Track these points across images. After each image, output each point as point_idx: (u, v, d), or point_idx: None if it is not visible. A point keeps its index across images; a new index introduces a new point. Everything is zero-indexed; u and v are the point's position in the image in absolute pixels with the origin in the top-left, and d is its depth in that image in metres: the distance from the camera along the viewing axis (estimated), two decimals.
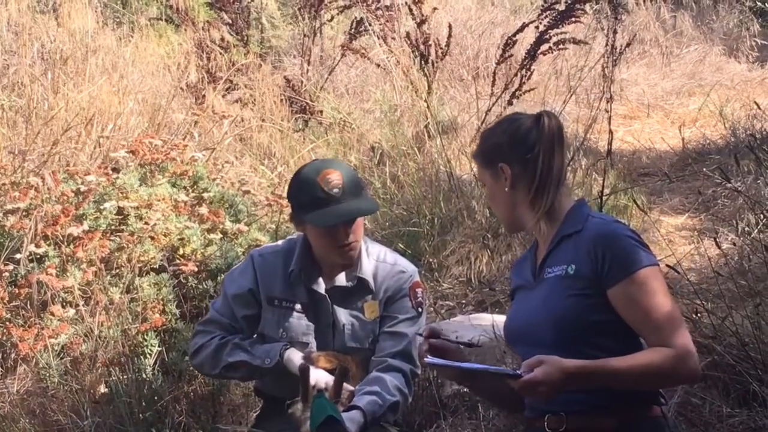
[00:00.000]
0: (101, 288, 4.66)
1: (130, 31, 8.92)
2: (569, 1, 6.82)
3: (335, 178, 3.40)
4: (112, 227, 4.94)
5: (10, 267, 4.74)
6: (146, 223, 4.90)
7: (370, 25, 8.00)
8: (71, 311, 4.62)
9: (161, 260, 4.82)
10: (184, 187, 5.30)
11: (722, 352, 3.99)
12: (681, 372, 2.61)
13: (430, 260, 5.78)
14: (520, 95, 6.97)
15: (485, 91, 7.38)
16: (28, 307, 4.66)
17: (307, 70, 8.47)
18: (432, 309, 5.23)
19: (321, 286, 3.52)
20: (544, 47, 6.88)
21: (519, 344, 2.86)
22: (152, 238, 4.88)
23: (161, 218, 4.94)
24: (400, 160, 6.61)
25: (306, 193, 3.42)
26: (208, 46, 7.98)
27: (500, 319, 4.57)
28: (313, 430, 2.96)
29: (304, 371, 3.14)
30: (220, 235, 5.01)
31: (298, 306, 3.52)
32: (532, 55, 6.92)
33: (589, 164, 6.45)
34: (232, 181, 5.83)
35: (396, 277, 3.54)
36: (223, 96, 7.74)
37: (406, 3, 7.60)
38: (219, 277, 4.68)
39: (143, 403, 4.31)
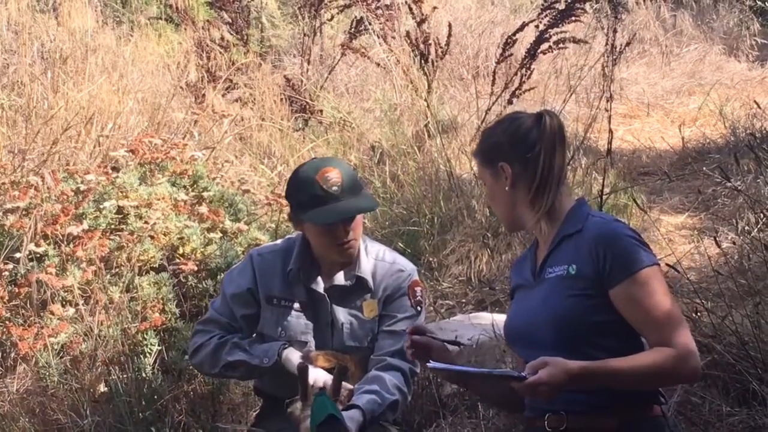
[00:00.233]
0: (101, 287, 4.66)
1: (130, 30, 8.92)
2: (569, 1, 6.82)
3: (334, 176, 3.40)
4: (112, 226, 4.94)
5: (10, 266, 4.74)
6: (146, 223, 4.90)
7: (370, 24, 8.00)
8: (71, 310, 4.61)
9: (161, 259, 4.82)
10: (184, 187, 5.29)
11: (722, 351, 3.99)
12: (683, 371, 2.62)
13: (430, 259, 5.78)
14: (520, 94, 6.97)
15: (485, 90, 7.38)
16: (28, 306, 4.66)
17: (307, 70, 8.47)
18: (432, 308, 5.23)
19: (320, 285, 3.52)
20: (544, 46, 6.88)
21: (519, 344, 2.86)
22: (152, 237, 4.87)
23: (161, 217, 4.94)
24: (400, 159, 6.60)
25: (305, 191, 3.41)
26: (207, 46, 7.98)
27: (500, 318, 4.56)
28: (313, 429, 2.96)
29: (303, 370, 3.14)
30: (220, 234, 5.01)
31: (296, 305, 3.52)
32: (532, 54, 6.92)
33: (589, 163, 6.45)
34: (232, 180, 5.83)
35: (395, 276, 3.53)
36: (223, 95, 7.75)
37: (406, 2, 7.60)
38: (219, 276, 4.68)
39: (143, 402, 4.31)
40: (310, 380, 3.23)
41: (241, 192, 5.61)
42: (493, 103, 6.93)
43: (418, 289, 3.56)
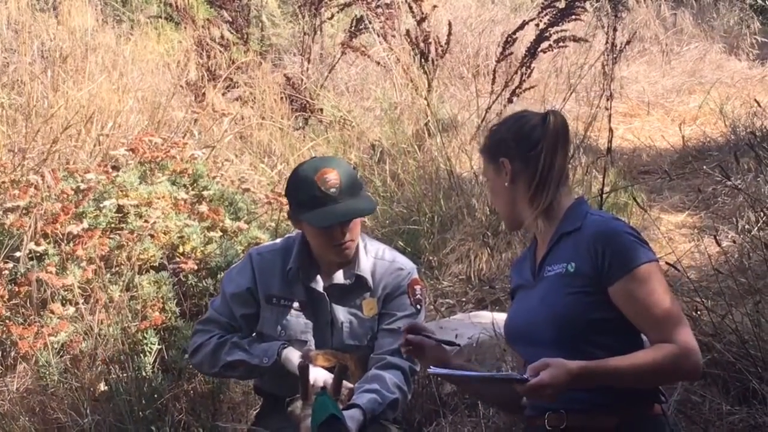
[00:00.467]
0: (101, 286, 4.66)
1: (130, 29, 8.92)
2: None
3: (332, 177, 3.39)
4: (112, 225, 4.94)
5: (10, 265, 4.74)
6: (146, 221, 4.90)
7: (370, 23, 8.00)
8: (71, 309, 4.61)
9: (161, 258, 4.82)
10: (184, 185, 5.29)
11: (722, 350, 3.99)
12: (684, 368, 2.62)
13: (430, 258, 5.78)
14: (521, 93, 6.96)
15: (485, 88, 7.38)
16: (28, 305, 4.66)
17: (307, 68, 8.46)
18: (432, 307, 5.23)
19: (319, 284, 3.52)
20: (544, 45, 6.88)
21: (519, 343, 2.86)
22: (152, 236, 4.87)
23: (161, 216, 4.94)
24: (400, 158, 6.60)
25: (303, 191, 3.41)
26: (208, 44, 7.97)
27: (500, 317, 4.56)
28: (314, 429, 2.96)
29: (304, 370, 3.14)
30: (220, 233, 5.01)
31: (296, 304, 3.52)
32: (532, 52, 6.91)
33: (589, 162, 6.45)
34: (232, 179, 5.83)
35: (394, 275, 3.53)
36: (223, 94, 7.74)
37: (406, 1, 7.60)
38: (219, 275, 4.68)
39: (143, 401, 4.31)
40: (311, 379, 3.23)
41: (241, 191, 5.61)
42: (494, 102, 6.92)
43: (417, 287, 3.55)
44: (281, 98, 7.77)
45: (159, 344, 4.46)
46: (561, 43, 6.90)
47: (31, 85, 6.76)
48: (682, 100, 9.54)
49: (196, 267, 4.74)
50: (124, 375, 4.38)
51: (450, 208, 5.98)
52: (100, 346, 4.49)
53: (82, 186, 5.02)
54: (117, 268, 4.78)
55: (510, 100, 6.90)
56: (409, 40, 7.29)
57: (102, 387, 4.43)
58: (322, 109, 7.95)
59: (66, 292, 4.68)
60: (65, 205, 4.86)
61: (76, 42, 7.36)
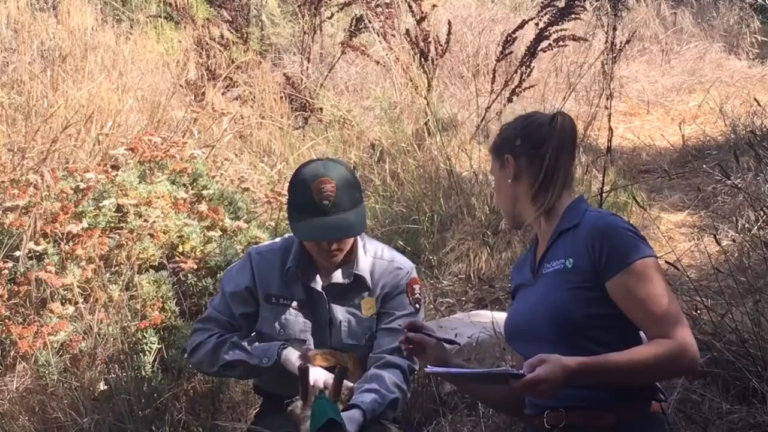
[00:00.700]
0: (100, 285, 4.66)
1: (130, 28, 8.92)
2: None
3: (329, 189, 3.38)
4: (112, 225, 4.94)
5: (10, 264, 4.74)
6: (145, 221, 4.90)
7: (369, 22, 7.99)
8: (70, 309, 4.61)
9: (160, 257, 4.82)
10: (184, 185, 5.29)
11: (722, 349, 3.99)
12: (681, 363, 2.61)
13: (430, 257, 5.78)
14: (520, 92, 6.97)
15: (485, 88, 7.38)
16: (28, 304, 4.66)
17: (307, 68, 8.46)
18: (432, 306, 5.23)
19: (318, 284, 3.52)
20: (544, 44, 6.89)
21: (519, 341, 2.86)
22: (151, 235, 4.87)
23: (160, 215, 4.94)
24: (399, 157, 6.60)
25: (299, 195, 3.42)
26: (207, 44, 7.97)
27: (500, 316, 4.57)
28: None
29: (304, 372, 3.15)
30: (220, 233, 5.01)
31: (294, 303, 3.52)
32: (531, 52, 6.92)
33: (589, 161, 6.45)
34: (232, 178, 5.83)
35: (393, 274, 3.53)
36: (223, 93, 7.73)
37: (405, 0, 7.60)
38: (218, 275, 4.67)
39: (142, 401, 4.31)
40: (311, 380, 3.23)
41: (241, 190, 5.61)
42: (493, 101, 6.93)
43: (416, 286, 3.55)
44: (281, 97, 7.77)
45: (158, 343, 4.46)
46: (561, 43, 6.91)
47: (30, 85, 6.76)
48: (682, 99, 9.55)
49: (195, 266, 4.74)
50: (124, 374, 4.38)
51: (450, 207, 5.99)
52: (99, 345, 4.49)
53: (82, 185, 5.01)
54: (116, 268, 4.78)
55: (510, 100, 6.91)
56: (408, 39, 7.29)
57: (101, 386, 4.43)
58: (321, 109, 7.95)
59: (65, 292, 4.68)
60: (65, 205, 4.86)
61: (75, 41, 7.35)
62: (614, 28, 6.53)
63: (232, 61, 7.96)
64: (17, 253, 4.75)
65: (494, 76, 7.01)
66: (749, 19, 11.71)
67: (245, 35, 8.39)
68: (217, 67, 7.86)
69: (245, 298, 3.55)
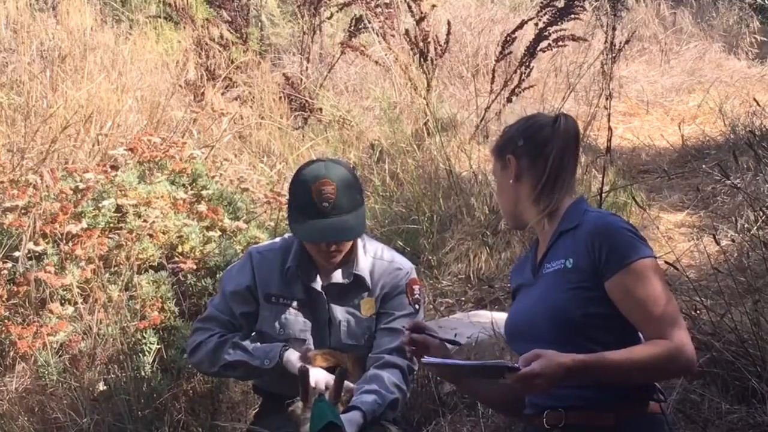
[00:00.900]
0: (100, 286, 4.66)
1: (129, 28, 8.92)
2: None
3: (329, 191, 3.38)
4: (111, 225, 4.94)
5: (9, 265, 4.74)
6: (145, 221, 4.90)
7: (369, 22, 7.99)
8: (70, 309, 4.61)
9: (160, 258, 4.82)
10: (183, 185, 5.29)
11: (721, 349, 3.99)
12: (678, 364, 2.61)
13: (429, 257, 5.78)
14: (520, 92, 6.98)
15: (484, 88, 7.38)
16: (27, 304, 4.66)
17: (307, 68, 8.46)
18: (431, 306, 5.23)
19: (318, 283, 3.52)
20: (544, 44, 6.89)
21: (518, 341, 2.86)
22: (151, 235, 4.87)
23: (160, 216, 4.94)
24: (399, 157, 6.61)
25: (299, 195, 3.42)
26: (207, 44, 7.97)
27: (499, 316, 4.57)
28: None
29: (304, 374, 3.15)
30: (219, 233, 5.01)
31: (294, 303, 3.52)
32: (531, 52, 6.93)
33: (589, 161, 6.45)
34: (231, 178, 5.83)
35: (393, 275, 3.53)
36: (222, 93, 7.73)
37: (405, 0, 7.60)
38: (218, 275, 4.68)
39: (142, 401, 4.32)
40: (311, 382, 3.24)
41: (240, 190, 5.61)
42: (493, 101, 6.94)
43: (416, 287, 3.56)
44: (280, 98, 7.77)
45: (158, 344, 4.46)
46: (560, 43, 6.91)
47: (30, 85, 6.76)
48: (682, 99, 9.55)
49: (195, 266, 4.74)
50: (123, 375, 4.38)
51: (449, 207, 5.99)
52: (99, 345, 4.49)
53: (81, 186, 5.01)
54: (116, 268, 4.78)
55: (509, 100, 6.92)
56: (408, 39, 7.29)
57: (101, 387, 4.43)
58: (321, 109, 7.95)
59: (65, 292, 4.68)
60: (64, 205, 4.86)
61: (75, 42, 7.35)
62: (614, 28, 6.54)
63: (232, 62, 7.96)
64: (17, 254, 4.75)
65: (494, 77, 7.02)
66: (749, 19, 11.72)
67: (245, 35, 8.39)
68: (217, 67, 7.86)
69: (246, 298, 3.55)
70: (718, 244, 4.60)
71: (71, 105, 6.44)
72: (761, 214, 5.34)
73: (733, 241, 5.35)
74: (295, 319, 3.52)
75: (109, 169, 5.27)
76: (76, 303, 4.63)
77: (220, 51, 7.97)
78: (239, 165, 6.57)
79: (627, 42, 6.86)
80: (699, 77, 10.11)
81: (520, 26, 7.04)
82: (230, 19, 8.39)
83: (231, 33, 8.33)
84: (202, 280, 4.75)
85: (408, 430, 4.03)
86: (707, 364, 3.96)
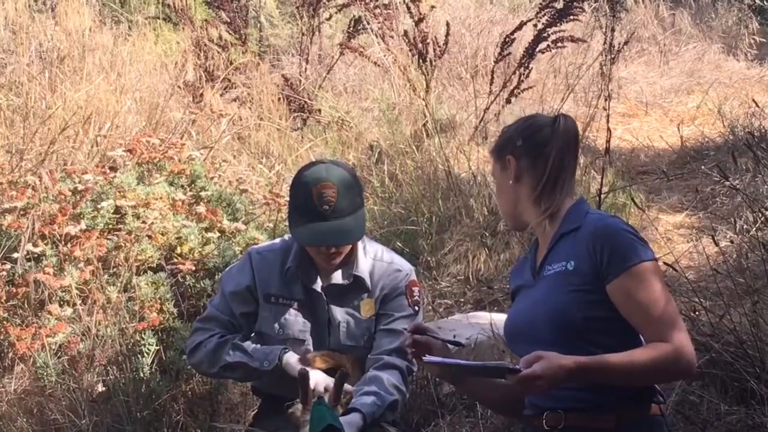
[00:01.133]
0: (99, 287, 4.65)
1: (128, 29, 8.91)
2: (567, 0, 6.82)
3: (330, 193, 3.38)
4: (110, 226, 4.94)
5: (8, 266, 4.73)
6: (144, 222, 4.90)
7: (368, 23, 7.99)
8: (69, 310, 4.61)
9: (159, 259, 4.82)
10: (182, 186, 5.29)
11: (720, 350, 3.99)
12: (678, 368, 2.61)
13: (428, 259, 5.78)
14: (519, 93, 6.98)
15: (483, 89, 7.38)
16: (26, 306, 4.65)
17: (306, 69, 8.46)
18: (430, 307, 5.23)
19: (317, 284, 3.52)
20: (543, 45, 6.89)
21: (518, 342, 2.85)
22: (150, 237, 4.87)
23: (159, 217, 4.93)
24: (398, 158, 6.60)
25: (299, 198, 3.43)
26: (206, 45, 7.96)
27: (498, 317, 4.57)
28: None
29: (304, 376, 3.16)
30: (218, 234, 5.01)
31: (294, 303, 3.52)
32: (530, 53, 6.93)
33: (588, 162, 6.45)
34: (230, 179, 5.82)
35: (392, 276, 3.53)
36: (221, 95, 7.73)
37: (404, 1, 7.59)
38: (217, 276, 4.67)
39: (141, 402, 4.32)
40: (311, 384, 3.24)
41: (239, 191, 5.61)
42: (492, 103, 6.94)
43: (415, 289, 3.56)
44: (279, 99, 7.77)
45: (157, 345, 4.46)
46: (559, 44, 6.91)
47: (28, 86, 6.76)
48: (681, 101, 9.55)
49: (193, 268, 4.74)
50: (122, 376, 4.38)
51: (448, 208, 5.99)
52: (97, 347, 4.49)
53: (80, 187, 5.01)
54: (115, 269, 4.78)
55: (508, 101, 6.92)
56: (407, 40, 7.29)
57: (100, 388, 4.43)
58: (320, 110, 7.95)
59: (64, 293, 4.67)
60: (63, 206, 4.86)
61: (73, 43, 7.35)
62: (612, 30, 6.54)
63: (231, 63, 7.95)
64: (15, 255, 4.75)
65: (492, 78, 7.02)
66: (748, 20, 11.72)
67: (244, 36, 8.39)
68: (216, 68, 7.86)
69: (246, 298, 3.55)
70: (717, 245, 4.60)
71: (70, 106, 6.44)
72: (760, 215, 5.33)
73: (732, 242, 5.35)
74: (295, 319, 3.52)
75: (108, 171, 5.27)
76: (74, 304, 4.63)
77: (219, 52, 7.97)
78: (238, 166, 6.58)
79: (626, 43, 6.85)
80: (698, 78, 10.11)
81: (519, 27, 7.04)
82: (229, 20, 8.39)
83: (230, 34, 8.33)
84: (200, 281, 4.75)
85: None
86: (706, 366, 3.96)
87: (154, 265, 4.83)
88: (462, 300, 5.47)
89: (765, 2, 12.03)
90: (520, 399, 2.81)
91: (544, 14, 6.86)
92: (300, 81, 8.17)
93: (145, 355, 4.42)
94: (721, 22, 11.84)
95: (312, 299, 3.53)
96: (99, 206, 4.93)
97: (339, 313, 3.53)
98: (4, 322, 4.60)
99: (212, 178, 5.55)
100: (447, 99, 8.33)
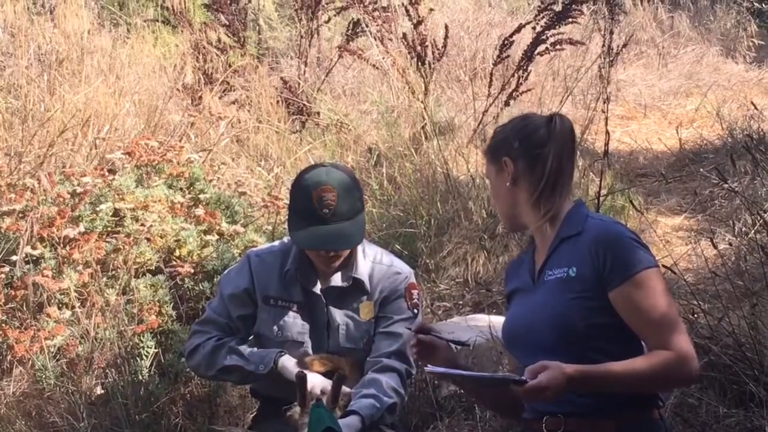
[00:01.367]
0: (97, 290, 4.65)
1: (127, 32, 8.91)
2: (566, 2, 6.82)
3: (330, 197, 3.38)
4: (109, 229, 4.93)
5: (6, 269, 4.73)
6: (142, 225, 4.89)
7: (367, 26, 7.98)
8: (67, 313, 4.61)
9: (157, 262, 4.81)
10: (181, 189, 5.29)
11: (719, 353, 3.99)
12: (681, 375, 2.61)
13: (427, 261, 5.78)
14: (517, 96, 6.97)
15: (482, 92, 7.38)
16: (24, 309, 4.65)
17: (304, 72, 8.46)
18: (429, 310, 5.22)
19: (317, 286, 3.52)
20: (541, 48, 6.88)
21: (518, 347, 2.85)
22: (148, 239, 4.87)
23: (157, 220, 4.93)
24: (397, 161, 6.60)
25: (299, 201, 3.43)
26: (204, 48, 7.97)
27: (497, 320, 4.57)
28: None
29: (302, 379, 3.16)
30: (217, 237, 5.01)
31: (293, 305, 3.52)
32: (528, 55, 6.92)
33: (586, 165, 6.45)
34: (229, 182, 5.83)
35: (392, 279, 3.53)
36: (220, 97, 7.73)
37: (402, 4, 7.59)
38: (215, 279, 4.67)
39: (139, 405, 4.31)
40: (309, 386, 3.24)
41: (238, 194, 5.61)
42: (490, 105, 6.93)
43: (414, 291, 3.56)
44: (278, 102, 7.77)
45: (155, 348, 4.46)
46: (558, 46, 6.91)
47: (27, 89, 6.75)
48: (679, 103, 9.55)
49: (192, 270, 4.74)
50: (121, 379, 4.38)
51: (447, 211, 5.98)
52: (96, 349, 4.49)
53: (79, 189, 5.01)
54: (113, 272, 4.78)
55: (507, 103, 6.91)
56: (405, 43, 7.29)
57: (98, 391, 4.43)
58: (318, 113, 7.95)
59: (62, 296, 4.67)
60: (61, 209, 4.86)
61: (72, 45, 7.35)
62: (611, 32, 6.54)
63: (229, 65, 7.95)
64: (14, 258, 4.75)
65: (491, 80, 7.01)
66: (746, 23, 11.72)
67: (242, 39, 8.38)
68: (214, 71, 7.86)
69: (244, 300, 3.55)
70: (715, 247, 4.59)
71: (69, 109, 6.44)
72: (759, 218, 5.33)
73: (730, 244, 5.35)
74: (294, 321, 3.52)
75: (107, 173, 5.27)
76: (73, 307, 4.62)
77: (217, 55, 7.97)
78: (237, 169, 6.58)
79: (624, 46, 6.85)
80: (696, 81, 10.11)
81: (518, 30, 7.03)
82: (228, 23, 8.39)
83: (228, 37, 8.32)
84: (199, 284, 4.75)
85: None
86: (705, 368, 3.95)
87: (153, 268, 4.83)
88: (461, 302, 5.47)
89: (763, 5, 12.04)
90: (519, 400, 2.80)
91: (543, 17, 6.86)
92: (299, 84, 8.17)
93: (144, 357, 4.42)
94: (719, 25, 11.84)
95: (311, 301, 3.53)
96: (98, 209, 4.93)
97: (338, 315, 3.53)
98: (3, 325, 4.59)
99: (211, 181, 5.55)
100: (446, 102, 8.33)
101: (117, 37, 8.31)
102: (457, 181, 6.25)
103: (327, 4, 8.69)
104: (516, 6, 11.50)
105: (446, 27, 7.43)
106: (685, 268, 5.20)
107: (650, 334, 2.62)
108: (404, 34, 7.36)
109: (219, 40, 8.20)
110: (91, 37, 7.66)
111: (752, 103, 6.53)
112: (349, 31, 8.26)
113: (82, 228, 4.81)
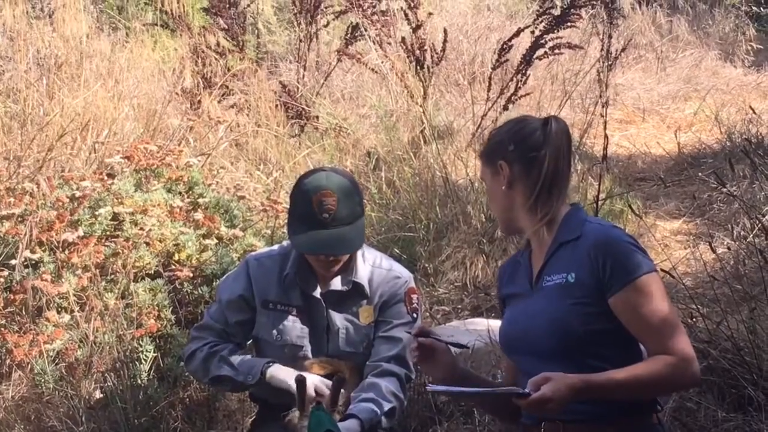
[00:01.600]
0: (96, 294, 4.65)
1: (126, 36, 8.92)
2: (565, 6, 6.83)
3: (330, 202, 3.38)
4: (108, 233, 4.93)
5: (5, 273, 4.73)
6: (141, 229, 4.89)
7: (365, 30, 7.99)
8: (66, 317, 4.61)
9: (156, 266, 4.81)
10: (180, 193, 5.29)
11: (717, 357, 3.99)
12: (682, 379, 2.61)
13: (426, 265, 5.78)
14: (516, 100, 6.97)
15: (481, 96, 7.39)
16: (23, 313, 4.65)
17: (303, 76, 8.47)
18: (428, 314, 5.23)
19: (316, 290, 3.52)
20: (540, 52, 6.90)
21: (516, 353, 2.84)
22: (147, 243, 4.87)
23: (156, 224, 4.93)
24: (395, 165, 6.60)
25: (299, 205, 3.43)
26: (203, 52, 7.97)
27: (495, 324, 4.56)
28: None
29: (301, 383, 3.16)
30: (216, 241, 5.00)
31: (293, 309, 3.52)
32: (527, 59, 6.93)
33: (585, 169, 6.46)
34: (228, 186, 5.83)
35: (391, 283, 3.53)
36: (219, 101, 7.73)
37: (401, 8, 7.60)
38: (214, 283, 4.67)
39: (138, 409, 4.31)
40: (308, 388, 3.24)
41: (237, 198, 5.60)
42: (489, 109, 6.94)
43: (414, 296, 3.56)
44: (277, 106, 7.77)
45: (154, 352, 4.46)
46: (556, 50, 6.92)
47: (26, 93, 6.76)
48: (678, 107, 9.56)
49: (191, 274, 4.74)
50: (120, 383, 4.37)
51: (446, 215, 5.99)
52: (95, 353, 4.48)
53: (78, 194, 5.01)
54: (112, 276, 4.77)
55: (505, 107, 6.91)
56: (404, 47, 7.29)
57: (97, 395, 4.43)
58: (317, 117, 7.95)
59: (61, 300, 4.67)
60: (60, 213, 4.86)
61: (71, 49, 7.35)
62: (610, 36, 6.56)
63: (228, 69, 7.96)
64: (13, 262, 4.75)
65: (490, 84, 7.02)
66: (745, 27, 11.74)
67: (241, 43, 8.39)
68: (213, 75, 7.86)
69: (240, 306, 3.55)
70: (714, 252, 4.60)
71: (68, 113, 6.44)
72: (757, 222, 5.34)
73: (729, 248, 5.35)
74: (293, 325, 3.52)
75: (106, 177, 5.27)
76: (72, 311, 4.62)
77: (216, 59, 7.98)
78: (236, 173, 6.58)
79: (623, 50, 6.87)
80: (695, 85, 10.12)
81: (517, 34, 7.04)
82: (227, 27, 8.40)
83: (227, 41, 8.33)
84: (198, 288, 4.75)
85: None
86: (703, 373, 3.94)
87: (152, 272, 4.82)
88: (459, 306, 5.47)
89: (761, 9, 12.05)
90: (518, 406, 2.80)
91: (542, 21, 6.87)
92: (297, 88, 8.18)
93: (143, 361, 4.42)
94: (718, 29, 11.86)
95: (311, 305, 3.53)
96: (97, 213, 4.92)
97: (338, 319, 3.53)
98: (2, 329, 4.59)
99: (210, 185, 5.55)
100: (444, 106, 8.34)
101: (116, 41, 8.32)
102: (455, 185, 6.25)
103: (326, 7, 8.71)
104: (515, 10, 11.52)
105: (445, 31, 7.44)
106: (684, 272, 5.20)
107: (651, 338, 2.61)
108: (403, 38, 7.37)
109: (218, 44, 8.21)
110: (90, 41, 7.67)
111: (751, 107, 6.53)
112: (348, 35, 8.27)
113: (81, 232, 4.81)
